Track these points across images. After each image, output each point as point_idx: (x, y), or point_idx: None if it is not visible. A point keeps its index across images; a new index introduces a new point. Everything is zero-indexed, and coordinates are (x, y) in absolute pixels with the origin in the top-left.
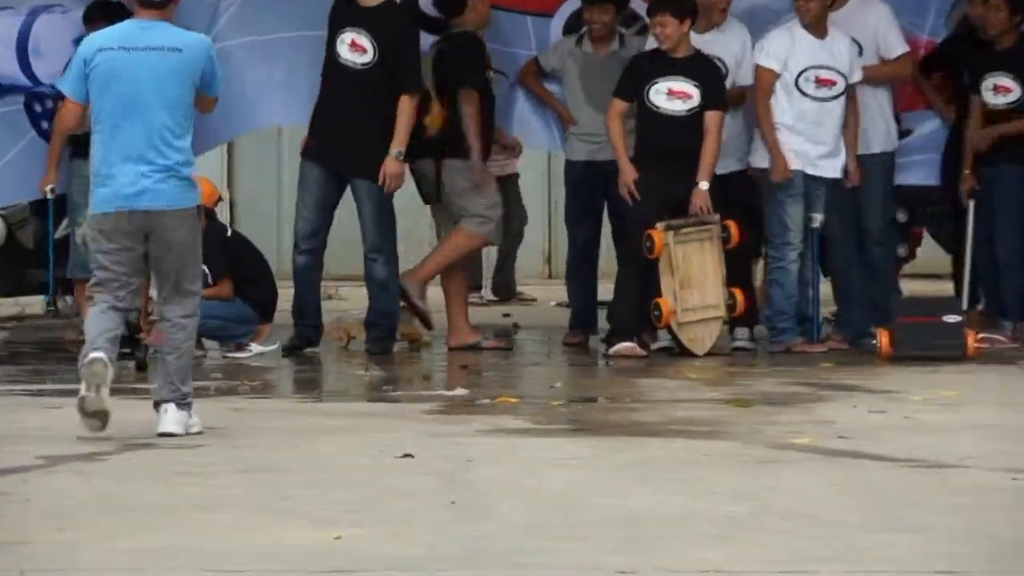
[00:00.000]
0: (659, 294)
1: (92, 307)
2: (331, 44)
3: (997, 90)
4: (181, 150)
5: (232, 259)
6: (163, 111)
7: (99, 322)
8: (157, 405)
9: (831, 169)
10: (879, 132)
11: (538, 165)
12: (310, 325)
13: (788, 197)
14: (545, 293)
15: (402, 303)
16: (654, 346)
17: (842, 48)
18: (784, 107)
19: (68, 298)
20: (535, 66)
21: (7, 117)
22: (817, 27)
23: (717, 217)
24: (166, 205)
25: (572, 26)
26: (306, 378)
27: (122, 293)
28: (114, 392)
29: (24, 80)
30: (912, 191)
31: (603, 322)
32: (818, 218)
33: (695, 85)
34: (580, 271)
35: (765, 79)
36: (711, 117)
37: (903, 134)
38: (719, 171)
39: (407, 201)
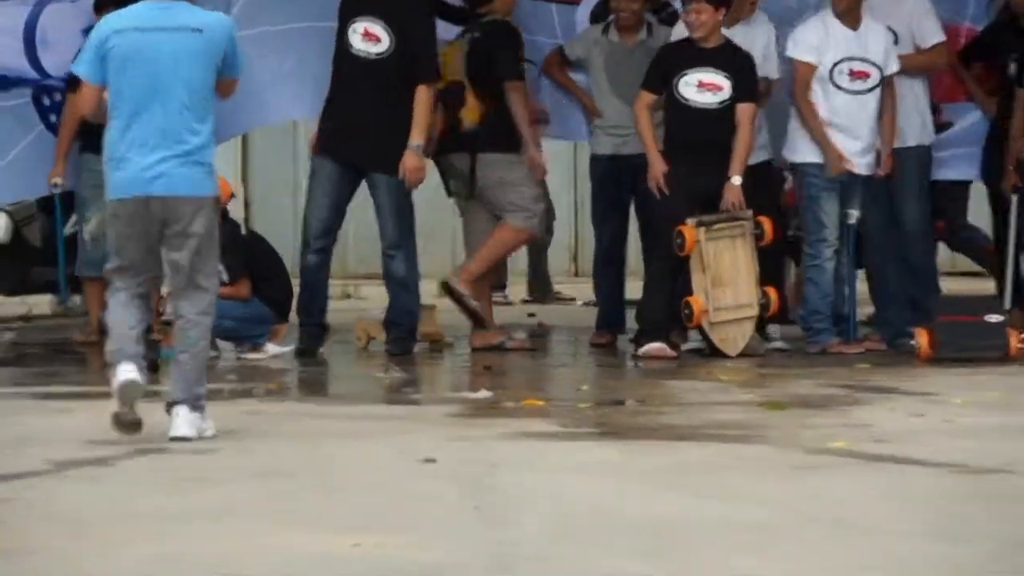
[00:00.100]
0: (690, 292)
1: (112, 296)
2: (342, 34)
3: None
4: (201, 135)
5: (247, 257)
6: (183, 94)
7: (123, 318)
8: (169, 407)
9: (867, 164)
10: (914, 125)
11: (564, 160)
12: (316, 325)
13: (823, 192)
14: (571, 292)
15: (456, 306)
16: (684, 347)
17: (877, 38)
18: (819, 101)
19: (77, 297)
20: (560, 55)
21: (14, 111)
22: (850, 16)
23: (750, 213)
24: (183, 192)
25: (599, 14)
26: (324, 380)
27: (140, 278)
28: None
29: (31, 72)
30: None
31: (632, 322)
32: (854, 214)
33: (726, 76)
34: (607, 269)
35: (803, 73)
36: (743, 109)
37: (943, 127)
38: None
39: (430, 196)
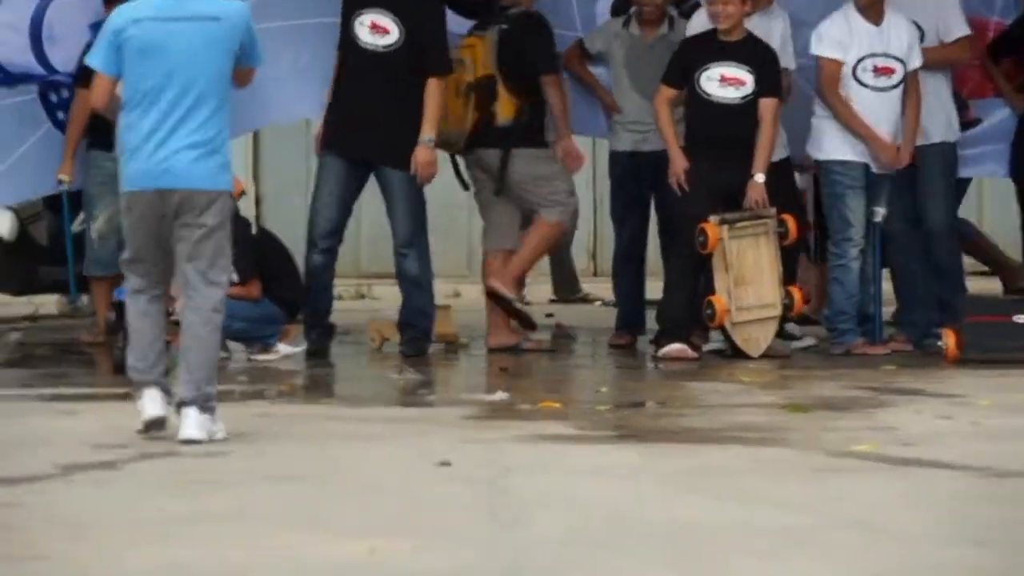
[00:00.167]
0: (712, 292)
1: (130, 300)
2: (347, 27)
3: None
4: (217, 126)
5: (258, 257)
6: (200, 84)
7: (143, 329)
8: (179, 407)
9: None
10: (939, 121)
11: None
12: (323, 326)
13: (848, 190)
14: (590, 291)
15: (504, 310)
16: (706, 347)
17: (900, 33)
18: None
19: (84, 297)
20: (579, 49)
21: (20, 108)
22: (873, 11)
23: (774, 211)
24: (198, 185)
25: (620, 7)
26: (336, 382)
27: (153, 273)
28: (134, 397)
29: (38, 68)
30: None
31: (651, 322)
32: (880, 212)
33: (749, 71)
34: (626, 268)
35: (830, 70)
36: (766, 104)
37: (971, 123)
38: None
39: (444, 194)
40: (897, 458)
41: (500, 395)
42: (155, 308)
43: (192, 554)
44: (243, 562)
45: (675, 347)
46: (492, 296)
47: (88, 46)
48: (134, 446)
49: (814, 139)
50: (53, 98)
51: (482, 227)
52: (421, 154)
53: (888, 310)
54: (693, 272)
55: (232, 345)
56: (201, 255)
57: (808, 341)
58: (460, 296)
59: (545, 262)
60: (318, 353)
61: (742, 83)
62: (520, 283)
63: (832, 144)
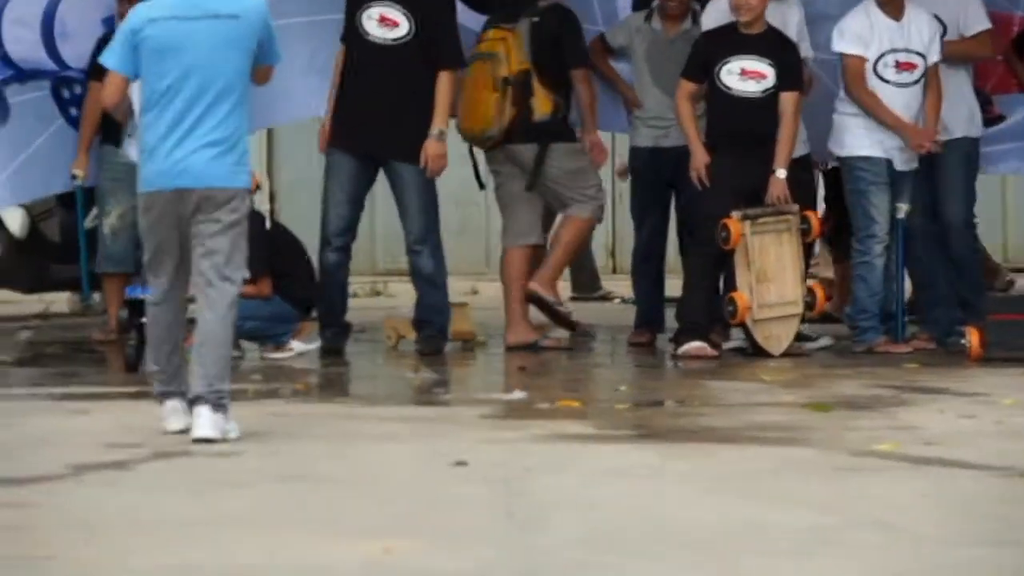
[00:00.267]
0: (734, 288)
1: (151, 308)
2: (352, 21)
3: None
4: (235, 125)
5: (271, 253)
6: (219, 83)
7: (165, 338)
8: (191, 405)
9: (915, 158)
10: (960, 116)
11: None
12: (338, 326)
13: (872, 186)
14: (611, 289)
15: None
16: (726, 346)
17: (921, 27)
18: None
19: (96, 295)
20: (601, 43)
21: (31, 104)
22: (893, 5)
23: (796, 207)
24: (216, 184)
25: (642, 1)
26: (352, 380)
27: (173, 275)
28: (147, 396)
29: (50, 64)
30: None
31: (671, 320)
32: (903, 208)
33: (770, 64)
34: (646, 266)
35: (855, 66)
36: (787, 98)
37: (995, 120)
38: None
39: (460, 191)
40: (919, 457)
41: (518, 394)
42: (176, 317)
43: (204, 555)
44: (256, 563)
45: (695, 345)
46: (533, 300)
47: (100, 40)
48: (146, 446)
49: (836, 136)
50: (66, 94)
51: (501, 224)
52: (431, 147)
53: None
54: (713, 269)
55: (245, 345)
56: (217, 251)
57: (824, 341)
58: (477, 293)
59: None
60: (333, 352)
61: (763, 76)
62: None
63: (854, 140)
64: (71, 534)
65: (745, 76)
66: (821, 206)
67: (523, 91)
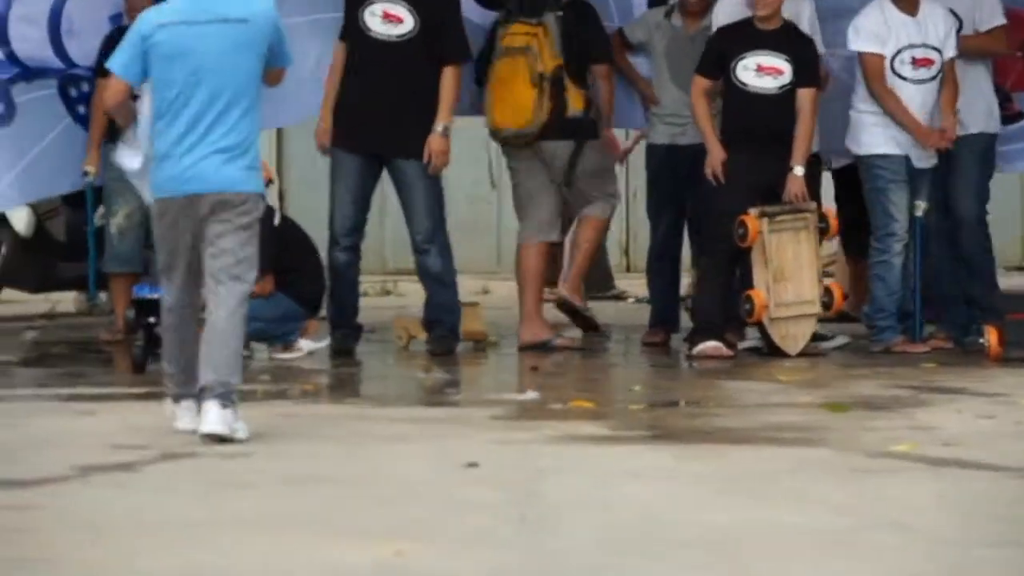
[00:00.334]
0: (751, 286)
1: (166, 313)
2: (353, 18)
3: None
4: (246, 130)
5: (278, 250)
6: (230, 88)
7: (179, 344)
8: (199, 397)
9: (934, 155)
10: (978, 111)
11: None
12: (350, 328)
13: (891, 184)
14: (625, 288)
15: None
16: (741, 345)
17: (937, 22)
18: None
19: (103, 294)
20: (619, 38)
21: (38, 103)
22: (908, 1)
23: (814, 205)
24: (228, 189)
25: None
26: (362, 381)
27: (188, 281)
28: (154, 397)
29: (57, 62)
30: None
31: (686, 320)
32: (922, 206)
33: (786, 60)
34: (661, 264)
35: (873, 64)
36: (804, 95)
37: (1014, 117)
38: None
39: (470, 189)
40: (937, 458)
41: (530, 395)
42: (191, 322)
43: (211, 557)
44: (264, 566)
45: (710, 345)
46: (565, 307)
47: (108, 37)
48: (154, 447)
49: (853, 134)
50: (73, 92)
51: (518, 220)
52: (436, 143)
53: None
54: (727, 268)
55: (254, 345)
56: (227, 252)
57: (840, 340)
58: (489, 293)
59: None
60: (344, 353)
61: (780, 72)
62: (552, 280)
63: (872, 138)
64: (77, 536)
65: (761, 72)
66: (832, 205)
67: (558, 87)
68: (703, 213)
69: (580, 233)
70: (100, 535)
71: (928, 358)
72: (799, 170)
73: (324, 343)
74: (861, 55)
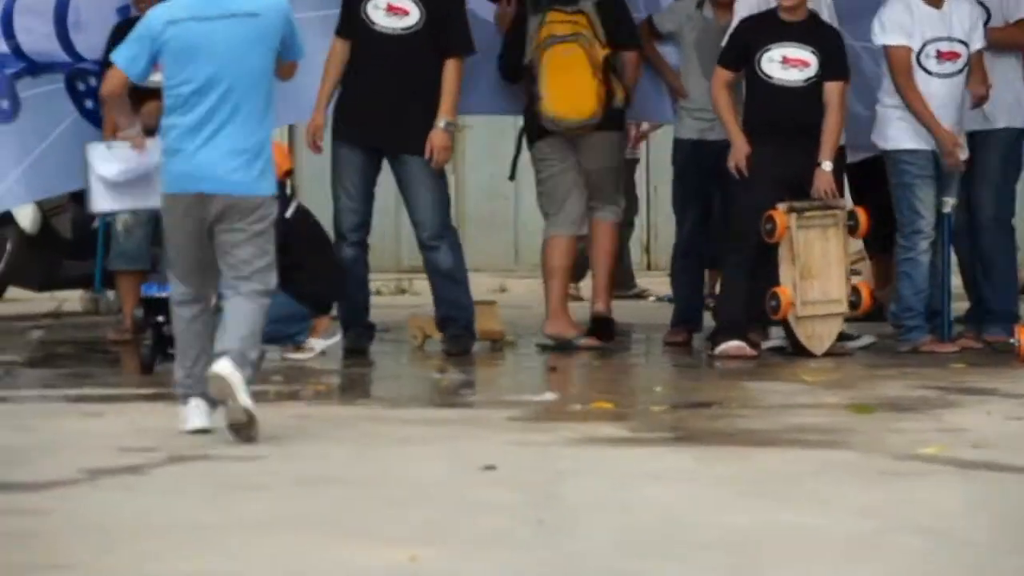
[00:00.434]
0: (776, 283)
1: (176, 309)
2: (355, 12)
3: None
4: (260, 128)
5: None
6: (243, 84)
7: (190, 342)
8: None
9: (964, 149)
10: (1005, 104)
11: None
12: (362, 326)
13: (917, 180)
14: (646, 287)
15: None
16: (765, 345)
17: (962, 14)
18: None
19: (110, 293)
20: (648, 27)
21: (44, 99)
22: None
23: (843, 202)
24: (239, 192)
25: None
26: (376, 382)
27: (197, 277)
28: (163, 398)
29: (63, 56)
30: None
31: (708, 319)
32: (950, 202)
33: (812, 52)
34: (686, 262)
35: (900, 57)
36: (832, 88)
37: None
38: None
39: (492, 181)
40: (966, 461)
41: (549, 395)
42: (201, 319)
43: (221, 561)
44: (274, 570)
45: (733, 344)
46: (604, 324)
47: (116, 27)
48: (162, 449)
49: (879, 129)
50: (81, 86)
51: (546, 212)
52: (438, 138)
53: (957, 306)
54: (751, 266)
55: (264, 346)
56: (245, 263)
57: (867, 340)
58: (506, 291)
59: None
60: (357, 352)
61: (806, 64)
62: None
63: (899, 133)
64: (86, 540)
65: (787, 64)
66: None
67: (607, 77)
68: (728, 208)
69: (598, 241)
70: (109, 539)
71: (957, 358)
72: (827, 165)
73: (335, 339)
74: (887, 48)
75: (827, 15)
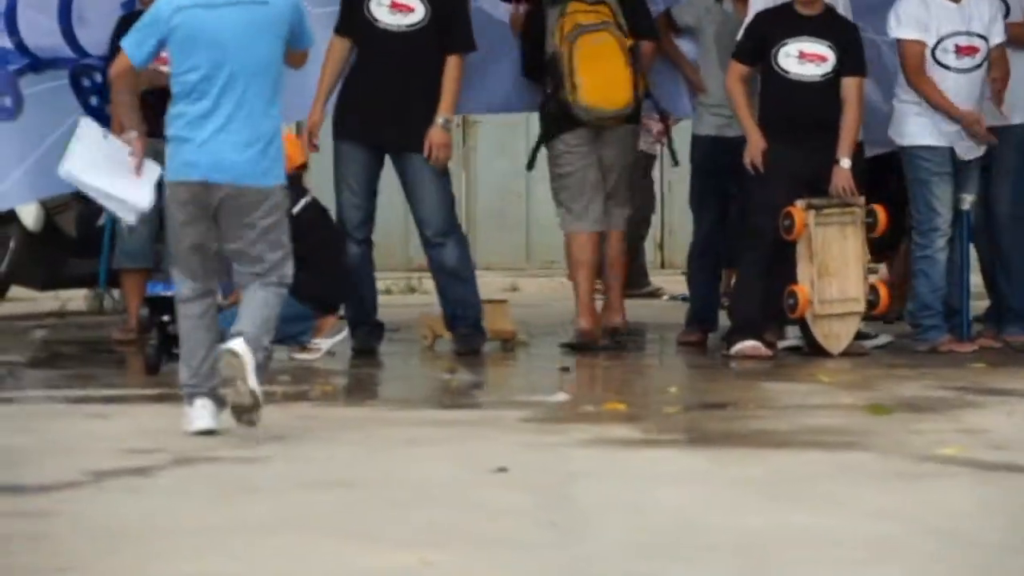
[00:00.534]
0: (793, 281)
1: (181, 306)
2: (357, 9)
3: None
4: (269, 118)
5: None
6: (251, 72)
7: (196, 339)
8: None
9: (979, 146)
10: (1022, 100)
11: None
12: (371, 325)
13: (934, 177)
14: (660, 286)
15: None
16: (781, 345)
17: (981, 8)
18: None
19: (115, 292)
20: (666, 20)
21: (47, 95)
22: None
23: (862, 200)
24: (246, 182)
25: None
26: (385, 382)
27: (200, 270)
28: (168, 398)
29: (68, 52)
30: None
31: (724, 319)
32: (968, 199)
33: (830, 47)
34: (703, 261)
35: (914, 52)
36: (850, 84)
37: None
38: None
39: (504, 178)
40: (986, 462)
41: (561, 396)
42: (207, 316)
43: (227, 564)
44: (280, 572)
45: (748, 344)
46: (617, 332)
47: (121, 19)
48: (168, 451)
49: (895, 125)
50: (86, 83)
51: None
52: (437, 136)
53: (977, 304)
54: (767, 265)
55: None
56: (258, 260)
57: (884, 339)
58: (518, 290)
59: None
60: (366, 352)
61: (823, 59)
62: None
63: (916, 129)
64: (91, 543)
65: (804, 59)
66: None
67: (638, 67)
68: (744, 205)
69: (610, 251)
70: (114, 541)
71: (976, 358)
72: (845, 162)
73: (340, 336)
74: (901, 43)
75: (843, 8)
